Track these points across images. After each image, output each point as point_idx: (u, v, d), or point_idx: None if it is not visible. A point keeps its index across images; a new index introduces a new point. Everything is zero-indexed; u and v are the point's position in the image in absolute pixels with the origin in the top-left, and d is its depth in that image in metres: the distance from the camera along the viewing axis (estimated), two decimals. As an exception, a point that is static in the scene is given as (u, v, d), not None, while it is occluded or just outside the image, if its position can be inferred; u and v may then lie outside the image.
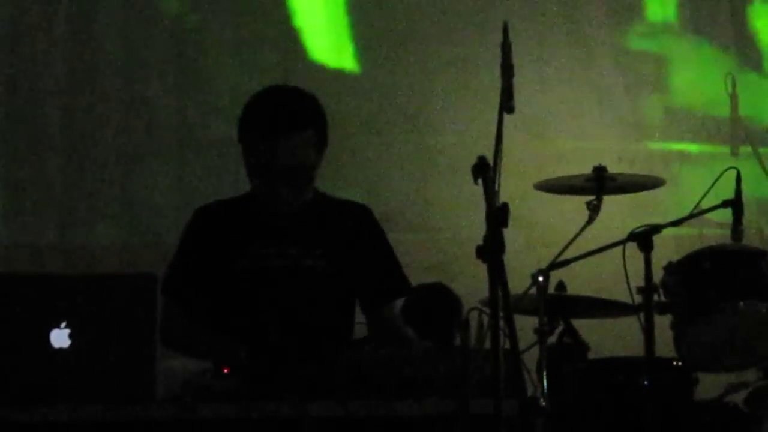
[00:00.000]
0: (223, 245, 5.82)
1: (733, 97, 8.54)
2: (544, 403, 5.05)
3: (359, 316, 6.01)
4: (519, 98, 5.16)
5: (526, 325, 6.31)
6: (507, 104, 5.17)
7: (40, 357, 4.70)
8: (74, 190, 7.96)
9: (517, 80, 5.16)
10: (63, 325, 4.72)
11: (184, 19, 8.28)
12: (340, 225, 5.95)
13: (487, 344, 4.86)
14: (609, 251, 6.66)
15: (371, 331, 5.91)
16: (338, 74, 8.39)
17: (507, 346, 4.76)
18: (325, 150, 5.87)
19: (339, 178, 8.02)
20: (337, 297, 5.87)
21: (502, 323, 4.73)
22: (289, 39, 8.41)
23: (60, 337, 4.72)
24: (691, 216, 6.88)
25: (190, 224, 5.98)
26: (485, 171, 4.87)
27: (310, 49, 8.41)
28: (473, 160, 4.87)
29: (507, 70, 5.22)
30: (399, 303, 5.90)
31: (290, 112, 5.80)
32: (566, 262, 6.67)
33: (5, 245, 7.83)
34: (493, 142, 5.02)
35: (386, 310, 5.91)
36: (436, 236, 7.94)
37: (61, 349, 4.71)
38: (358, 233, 5.98)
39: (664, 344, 6.65)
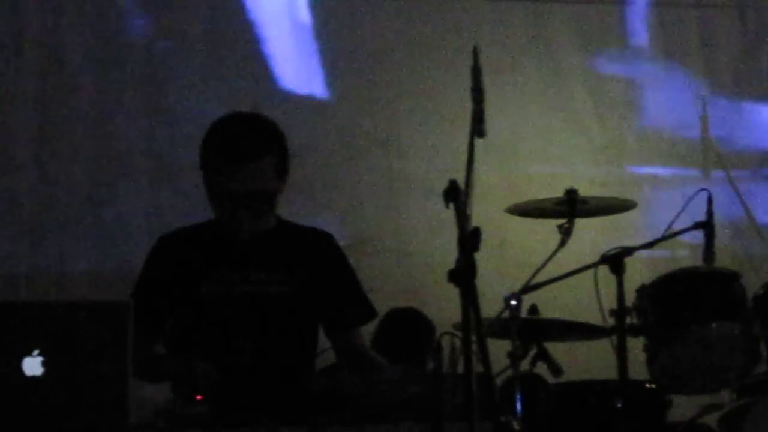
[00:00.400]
0: (187, 271, 5.80)
1: (704, 120, 8.59)
2: (517, 427, 5.07)
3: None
4: (490, 122, 5.21)
5: (500, 349, 6.35)
6: (478, 128, 5.21)
7: (12, 385, 4.68)
8: (46, 217, 7.95)
9: (488, 104, 5.20)
10: (36, 353, 4.72)
11: (154, 45, 8.30)
12: (303, 251, 5.92)
13: (460, 368, 4.90)
14: (581, 274, 6.71)
15: (338, 356, 5.92)
16: (308, 100, 8.42)
17: (480, 369, 4.80)
18: (286, 176, 5.83)
19: (312, 204, 8.06)
20: (301, 322, 5.85)
21: (474, 347, 4.77)
22: (259, 66, 8.44)
23: (33, 365, 4.71)
24: (663, 238, 6.93)
25: (153, 252, 5.97)
26: (457, 195, 4.91)
27: (280, 75, 8.45)
28: (445, 185, 4.91)
29: (477, 94, 5.26)
30: (365, 328, 5.94)
31: (249, 139, 5.76)
32: (538, 286, 6.70)
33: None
34: (464, 166, 5.06)
35: (351, 336, 5.93)
36: (408, 261, 7.98)
37: (33, 377, 4.70)
38: (321, 260, 5.97)
39: (638, 366, 6.70)
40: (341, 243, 7.49)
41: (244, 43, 8.43)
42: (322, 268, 5.92)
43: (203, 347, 5.66)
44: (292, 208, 6.61)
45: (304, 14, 8.49)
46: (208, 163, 5.80)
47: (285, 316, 5.76)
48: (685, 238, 6.96)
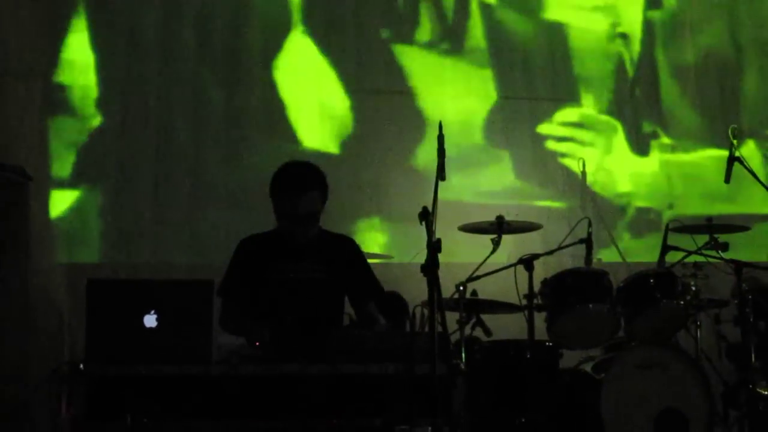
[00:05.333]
0: (260, 263, 5.81)
1: (584, 174, 8.56)
2: (463, 367, 5.05)
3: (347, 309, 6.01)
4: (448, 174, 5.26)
5: (451, 318, 6.35)
6: (441, 175, 5.26)
7: (137, 333, 4.74)
8: (160, 224, 7.87)
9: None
10: (152, 312, 4.76)
11: (231, 114, 8.23)
12: (335, 250, 5.92)
13: (427, 329, 4.92)
14: (505, 270, 6.71)
15: (358, 318, 5.90)
16: (324, 155, 8.28)
17: (440, 330, 4.81)
18: (326, 202, 5.87)
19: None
20: (332, 297, 5.85)
21: (437, 316, 4.79)
22: (291, 133, 8.34)
23: (150, 320, 4.75)
24: (559, 248, 6.94)
25: (237, 248, 5.95)
26: (427, 216, 4.94)
27: (304, 139, 8.36)
28: (419, 210, 4.93)
29: (441, 153, 5.31)
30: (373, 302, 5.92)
31: (303, 177, 5.79)
32: (478, 277, 6.71)
33: (116, 263, 7.82)
34: (431, 198, 5.08)
35: (367, 305, 5.92)
36: (390, 261, 7.87)
37: (150, 328, 4.75)
38: (348, 256, 5.96)
39: (540, 331, 6.71)
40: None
41: (284, 117, 8.34)
42: (347, 261, 5.91)
43: (269, 311, 5.66)
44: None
45: (325, 103, 8.42)
46: (277, 194, 5.79)
47: (322, 293, 5.77)
48: (572, 248, 6.96)
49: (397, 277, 7.03)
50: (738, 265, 6.77)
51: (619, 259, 8.34)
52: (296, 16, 8.39)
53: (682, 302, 6.77)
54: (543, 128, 8.69)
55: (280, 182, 5.80)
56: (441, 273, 4.83)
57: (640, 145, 8.90)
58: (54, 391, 4.74)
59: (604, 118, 8.83)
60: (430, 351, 4.71)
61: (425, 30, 8.61)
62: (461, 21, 8.68)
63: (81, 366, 4.67)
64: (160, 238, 7.84)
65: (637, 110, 8.92)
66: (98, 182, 7.90)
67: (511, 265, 6.65)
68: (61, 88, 7.88)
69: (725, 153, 7.08)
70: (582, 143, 8.75)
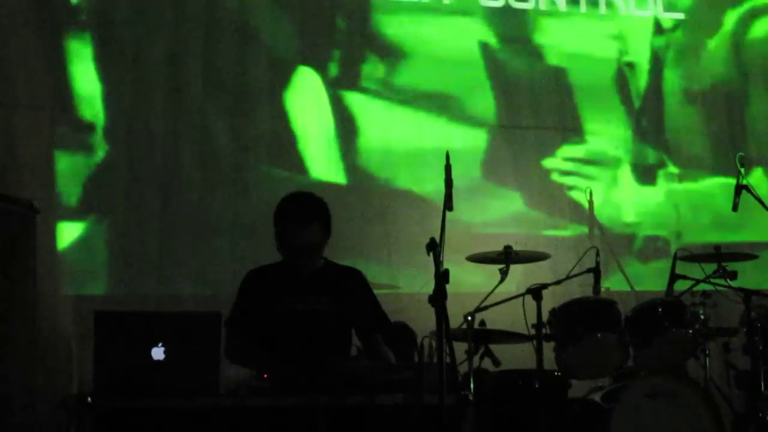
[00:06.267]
0: (267, 295, 5.80)
1: (591, 204, 8.56)
2: (471, 398, 5.04)
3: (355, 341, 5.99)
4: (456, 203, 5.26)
5: (459, 348, 6.33)
6: (448, 204, 5.26)
7: (145, 365, 4.71)
8: (168, 256, 7.88)
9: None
10: (160, 344, 4.73)
11: (233, 147, 8.23)
12: (341, 282, 5.91)
13: (435, 360, 4.90)
14: (513, 300, 6.68)
15: (364, 350, 5.89)
16: (332, 185, 8.27)
17: (448, 360, 4.80)
18: (330, 233, 5.85)
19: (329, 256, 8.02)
20: (339, 329, 5.84)
21: (445, 346, 4.78)
22: (299, 163, 8.33)
23: (158, 353, 4.72)
24: (567, 278, 6.93)
25: (244, 280, 5.94)
26: (435, 247, 4.93)
27: (312, 169, 8.35)
28: (426, 241, 4.92)
29: (448, 183, 5.31)
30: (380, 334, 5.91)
31: (305, 210, 5.77)
32: (486, 307, 6.70)
33: (123, 295, 7.79)
34: (439, 228, 5.08)
35: (373, 337, 5.91)
36: (399, 292, 7.84)
37: (158, 361, 4.72)
38: (355, 287, 5.95)
39: (549, 361, 6.69)
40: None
41: (291, 148, 8.34)
42: (354, 293, 5.90)
43: (275, 344, 5.65)
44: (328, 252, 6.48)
45: (331, 133, 8.44)
46: (279, 225, 5.78)
47: (328, 325, 5.76)
48: (581, 278, 6.95)
49: (405, 308, 7.03)
50: (747, 294, 6.79)
51: (628, 288, 8.33)
52: (303, 48, 8.40)
53: (691, 331, 6.77)
54: (548, 162, 8.68)
55: (282, 214, 5.80)
56: (449, 303, 4.82)
57: (646, 174, 8.89)
58: (62, 423, 4.73)
59: (611, 147, 8.83)
60: (438, 382, 4.70)
61: (429, 63, 8.62)
62: (466, 56, 8.70)
63: (89, 398, 4.65)
64: (167, 270, 7.81)
65: (644, 139, 8.92)
66: (105, 214, 7.89)
67: (519, 295, 6.64)
68: (68, 120, 7.88)
69: (732, 181, 7.10)
70: (588, 173, 8.74)
